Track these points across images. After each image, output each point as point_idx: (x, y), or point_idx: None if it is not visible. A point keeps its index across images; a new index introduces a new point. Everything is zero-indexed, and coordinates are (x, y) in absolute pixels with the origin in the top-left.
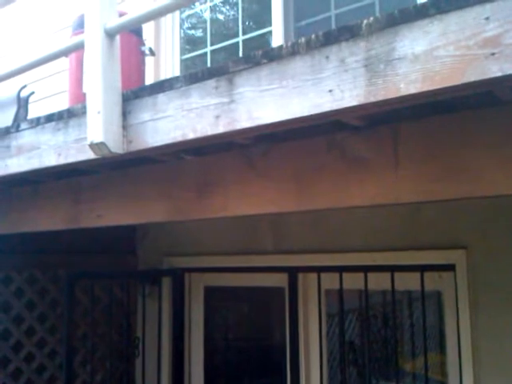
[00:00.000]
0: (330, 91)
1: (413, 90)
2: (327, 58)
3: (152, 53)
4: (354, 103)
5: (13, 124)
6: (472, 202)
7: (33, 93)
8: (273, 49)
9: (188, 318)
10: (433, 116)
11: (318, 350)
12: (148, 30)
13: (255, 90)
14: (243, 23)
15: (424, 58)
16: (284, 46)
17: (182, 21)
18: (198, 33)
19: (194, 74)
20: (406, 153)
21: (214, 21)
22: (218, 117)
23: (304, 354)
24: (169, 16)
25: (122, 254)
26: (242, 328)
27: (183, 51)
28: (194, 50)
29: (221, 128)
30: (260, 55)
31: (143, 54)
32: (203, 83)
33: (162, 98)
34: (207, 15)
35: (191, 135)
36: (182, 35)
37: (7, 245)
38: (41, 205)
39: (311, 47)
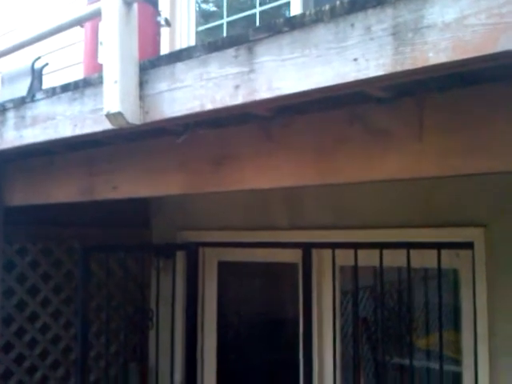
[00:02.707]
0: (355, 60)
1: (442, 58)
2: (352, 25)
3: (168, 23)
4: (380, 72)
5: (28, 94)
6: (491, 178)
7: (47, 64)
8: (295, 16)
9: (201, 293)
10: (459, 88)
11: (332, 326)
12: (163, 0)
13: (276, 60)
14: None
15: (454, 27)
16: (307, 13)
17: None
18: (214, 4)
19: (213, 43)
20: (430, 125)
21: None
22: (237, 87)
23: (317, 330)
24: None
25: (136, 228)
26: (255, 303)
27: (199, 23)
28: (209, 22)
29: (240, 98)
30: (282, 23)
31: (159, 24)
32: (222, 52)
33: (179, 67)
34: None
35: (209, 106)
36: (198, 6)
37: (22, 216)
38: (56, 176)
39: (336, 14)
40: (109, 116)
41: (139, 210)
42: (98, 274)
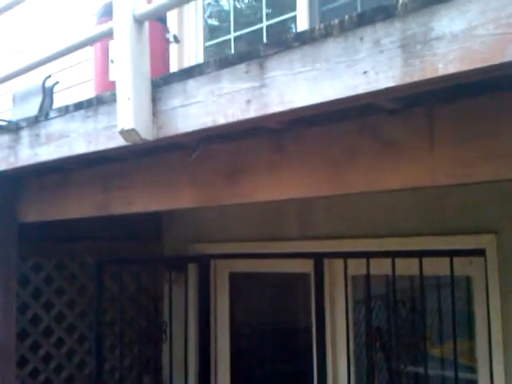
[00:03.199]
0: (365, 73)
1: (451, 69)
2: (361, 39)
3: (176, 40)
4: (390, 84)
5: (41, 112)
6: (501, 185)
7: (57, 82)
8: (305, 31)
9: (214, 304)
10: (468, 97)
11: (345, 336)
12: (171, 17)
13: (287, 74)
14: (267, 9)
15: (463, 37)
16: (317, 28)
17: (205, 8)
18: (221, 20)
19: (224, 59)
20: (441, 134)
21: (236, 7)
22: (249, 101)
23: (330, 339)
24: (192, 2)
25: (148, 241)
26: (267, 314)
27: (206, 38)
28: (217, 37)
29: (252, 113)
30: (292, 38)
31: (168, 41)
32: (233, 68)
33: (191, 83)
34: (230, 1)
35: (222, 120)
36: (205, 22)
37: (36, 232)
38: (71, 192)
39: (345, 29)
40: (123, 133)
41: (151, 223)
42: (111, 287)
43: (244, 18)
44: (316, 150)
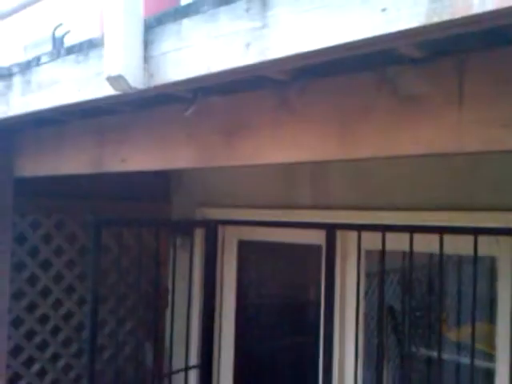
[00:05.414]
0: (384, 10)
1: (489, 5)
2: None
3: None
4: (413, 24)
5: (34, 58)
6: None
7: (68, 32)
8: None
9: (220, 272)
10: (506, 46)
11: (355, 312)
12: None
13: (292, 11)
14: None
15: None
16: None
17: None
18: None
19: None
20: (472, 90)
21: None
22: (248, 44)
23: (339, 317)
24: None
25: (155, 202)
26: (275, 285)
27: None
28: None
29: (252, 58)
30: None
31: None
32: (233, 5)
33: (186, 23)
34: None
35: (217, 67)
36: None
37: (36, 188)
38: (65, 146)
39: None
40: (110, 79)
41: (159, 184)
42: (113, 248)
43: None
44: (325, 107)
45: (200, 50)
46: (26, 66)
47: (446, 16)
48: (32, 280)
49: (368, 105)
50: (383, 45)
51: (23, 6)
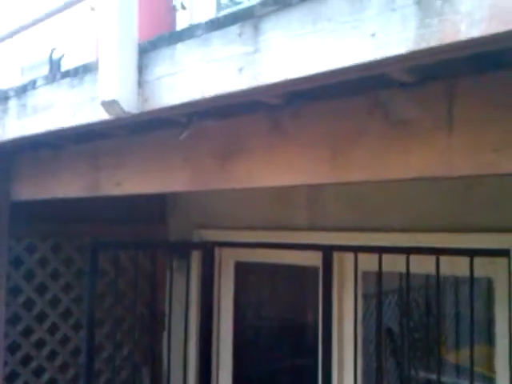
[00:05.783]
0: (373, 35)
1: (476, 32)
2: None
3: (183, 7)
4: (402, 50)
5: (29, 81)
6: None
7: (65, 54)
8: None
9: (217, 294)
10: (496, 71)
11: (353, 334)
12: None
13: (284, 36)
14: None
15: None
16: None
17: None
18: None
19: (216, 20)
20: (462, 115)
21: None
22: (241, 69)
23: (337, 339)
24: None
25: (151, 225)
26: (273, 307)
27: (219, 7)
28: (230, 7)
29: (244, 83)
30: None
31: (174, 9)
32: (226, 30)
33: (180, 48)
34: None
35: (211, 92)
36: None
37: (31, 211)
38: (61, 170)
39: None
40: (104, 104)
41: (155, 206)
42: (110, 271)
43: None
44: (318, 131)
45: (194, 75)
46: (22, 90)
47: (434, 42)
48: (28, 304)
49: (360, 129)
50: (373, 70)
51: (20, 30)
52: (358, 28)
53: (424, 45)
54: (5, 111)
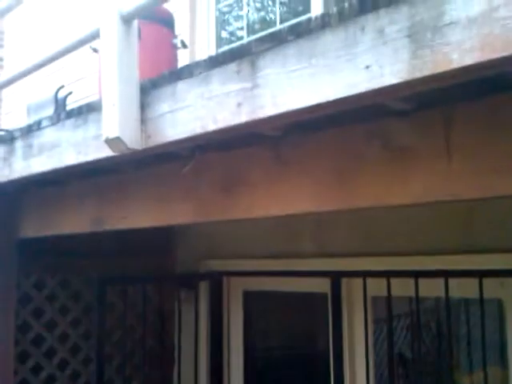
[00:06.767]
0: (367, 67)
1: (468, 60)
2: (363, 29)
3: (184, 45)
4: (396, 80)
5: (34, 122)
6: None
7: (70, 93)
8: (300, 23)
9: (227, 324)
10: (492, 95)
11: (364, 361)
12: (183, 21)
13: (280, 72)
14: (281, 11)
15: (481, 21)
16: (313, 18)
17: (218, 12)
18: (235, 24)
19: (215, 58)
20: (460, 140)
21: (250, 10)
22: (239, 104)
23: (349, 364)
24: (204, 4)
25: (158, 257)
26: (283, 335)
27: (219, 43)
28: (230, 42)
29: (243, 117)
30: (286, 31)
31: (175, 47)
32: (224, 67)
33: (181, 86)
34: (244, 4)
35: (211, 126)
36: (218, 26)
37: (40, 247)
38: (66, 206)
39: (344, 18)
40: (108, 142)
41: (161, 238)
42: (118, 305)
43: (258, 21)
44: (318, 160)
45: (195, 111)
46: (28, 131)
47: (427, 71)
48: (37, 341)
49: (359, 158)
50: (369, 100)
51: (25, 73)
52: (351, 61)
53: (417, 74)
54: (11, 152)
